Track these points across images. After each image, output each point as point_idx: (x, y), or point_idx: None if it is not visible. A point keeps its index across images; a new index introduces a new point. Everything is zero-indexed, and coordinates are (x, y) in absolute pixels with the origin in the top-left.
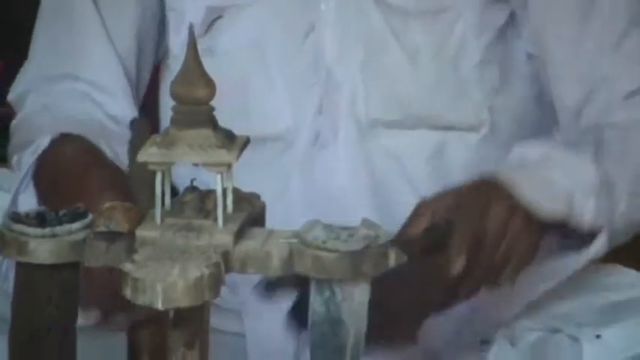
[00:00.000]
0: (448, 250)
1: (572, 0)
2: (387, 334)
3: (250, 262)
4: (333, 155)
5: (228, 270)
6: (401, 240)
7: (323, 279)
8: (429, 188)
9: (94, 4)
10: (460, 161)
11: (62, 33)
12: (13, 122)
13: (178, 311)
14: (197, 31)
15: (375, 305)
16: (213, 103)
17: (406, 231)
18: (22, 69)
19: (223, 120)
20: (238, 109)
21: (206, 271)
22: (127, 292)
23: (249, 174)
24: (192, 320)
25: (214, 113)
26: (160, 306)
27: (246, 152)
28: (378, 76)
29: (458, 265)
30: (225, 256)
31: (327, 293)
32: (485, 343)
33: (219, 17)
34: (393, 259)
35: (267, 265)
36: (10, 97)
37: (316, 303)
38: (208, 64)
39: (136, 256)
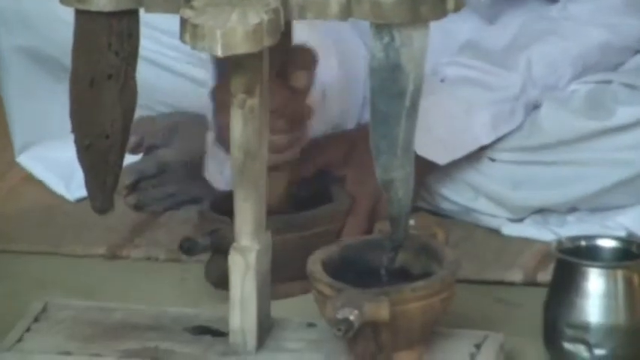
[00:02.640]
0: None
1: None
2: None
3: (309, 7)
4: None
5: (287, 16)
6: None
7: (382, 24)
8: None
9: None
10: None
11: None
12: None
13: (237, 58)
14: None
15: None
16: None
17: None
18: None
19: None
20: None
21: (265, 17)
22: (187, 39)
23: None
24: (251, 67)
25: None
26: (219, 53)
27: None
28: None
29: None
30: (284, 2)
31: (386, 39)
32: (536, 107)
33: None
34: (452, 3)
35: (325, 11)
36: None
37: (375, 49)
38: None
39: (195, 3)
